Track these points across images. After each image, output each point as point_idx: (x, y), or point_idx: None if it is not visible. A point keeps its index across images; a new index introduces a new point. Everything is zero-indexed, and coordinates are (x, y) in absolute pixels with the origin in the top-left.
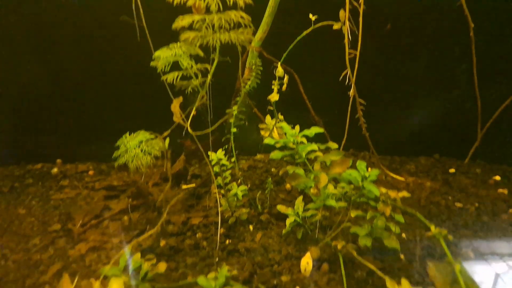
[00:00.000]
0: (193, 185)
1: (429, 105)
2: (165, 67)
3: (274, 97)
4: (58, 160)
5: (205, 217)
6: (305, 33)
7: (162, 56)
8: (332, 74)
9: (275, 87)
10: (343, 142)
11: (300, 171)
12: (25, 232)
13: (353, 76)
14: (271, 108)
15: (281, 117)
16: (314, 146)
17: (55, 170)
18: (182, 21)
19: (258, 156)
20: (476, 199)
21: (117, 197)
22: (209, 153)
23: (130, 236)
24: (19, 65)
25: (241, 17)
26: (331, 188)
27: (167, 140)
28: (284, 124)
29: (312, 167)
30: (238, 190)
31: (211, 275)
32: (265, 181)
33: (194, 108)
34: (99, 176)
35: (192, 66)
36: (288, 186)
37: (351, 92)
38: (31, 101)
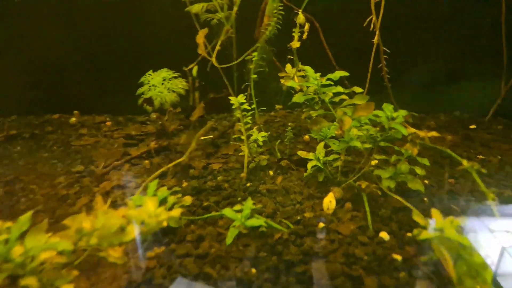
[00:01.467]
0: (210, 136)
1: (450, 61)
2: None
3: (295, 44)
4: (76, 111)
5: (225, 163)
6: None
7: None
8: (354, 22)
9: (295, 35)
10: (365, 92)
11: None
12: (50, 172)
13: (378, 22)
14: (291, 57)
15: (301, 66)
16: (340, 88)
17: (73, 119)
18: None
19: (277, 107)
20: (499, 152)
21: (136, 145)
22: (230, 97)
23: (152, 178)
24: (43, 23)
25: None
26: (354, 131)
27: (195, 69)
28: (308, 68)
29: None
30: (259, 136)
31: (237, 207)
32: (283, 133)
33: (219, 42)
34: (116, 126)
35: None
36: (306, 137)
37: (375, 39)
38: (51, 55)
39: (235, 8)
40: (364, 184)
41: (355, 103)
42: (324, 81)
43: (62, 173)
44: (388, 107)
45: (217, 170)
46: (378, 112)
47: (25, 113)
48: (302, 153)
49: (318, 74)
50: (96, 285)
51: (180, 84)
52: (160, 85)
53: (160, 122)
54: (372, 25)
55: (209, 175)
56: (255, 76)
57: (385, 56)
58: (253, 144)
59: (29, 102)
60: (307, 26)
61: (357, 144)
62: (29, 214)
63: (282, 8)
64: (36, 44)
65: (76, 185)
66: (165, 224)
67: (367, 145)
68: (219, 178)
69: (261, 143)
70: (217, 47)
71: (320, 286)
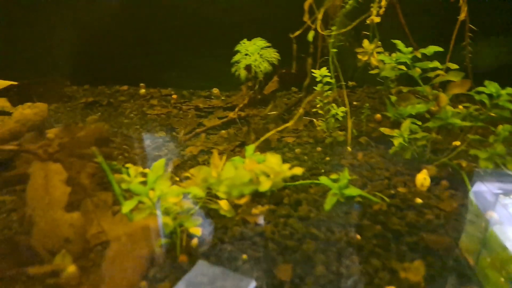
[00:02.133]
0: (275, 112)
1: None
2: None
3: (374, 19)
4: (142, 84)
5: (298, 137)
6: None
7: None
8: None
9: (374, 10)
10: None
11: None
12: (134, 135)
13: None
14: (367, 32)
15: (378, 43)
16: (437, 63)
17: (142, 91)
18: None
19: (350, 83)
20: None
21: (206, 116)
22: (313, 70)
23: (233, 146)
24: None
25: None
26: (449, 108)
27: (311, 33)
28: (398, 42)
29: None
30: (338, 110)
31: (333, 175)
32: (356, 110)
33: (322, 11)
34: (183, 99)
35: None
36: (378, 116)
37: (461, 16)
38: (118, 31)
39: None
40: (464, 163)
41: (450, 80)
42: (416, 53)
43: (146, 137)
44: (492, 84)
45: (291, 143)
46: (480, 88)
47: (96, 84)
48: (385, 130)
49: (410, 49)
50: (213, 233)
51: (273, 54)
52: (256, 53)
53: (249, 94)
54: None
55: (285, 148)
56: (335, 50)
57: (469, 34)
58: (330, 119)
59: (98, 73)
60: (384, 2)
61: (456, 121)
62: (162, 161)
63: None
64: (101, 18)
65: (163, 148)
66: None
67: (467, 123)
68: (297, 150)
69: (340, 118)
70: (320, 16)
71: (439, 256)
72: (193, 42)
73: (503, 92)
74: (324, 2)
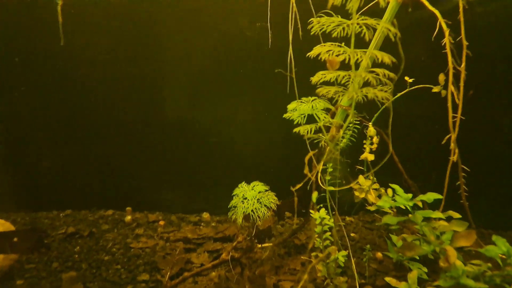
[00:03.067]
0: (270, 244)
1: None
2: (301, 118)
3: (368, 156)
4: (128, 208)
5: (296, 282)
6: (399, 95)
7: (300, 108)
8: (428, 135)
9: (367, 147)
10: (440, 210)
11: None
12: (115, 280)
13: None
14: (361, 167)
15: (391, 185)
16: (439, 214)
17: (128, 218)
18: (325, 76)
19: (348, 219)
20: None
21: (194, 250)
22: (311, 211)
23: None
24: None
25: (384, 74)
26: (458, 263)
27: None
28: (396, 187)
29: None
30: (339, 255)
31: None
32: (354, 248)
33: (322, 162)
34: (170, 227)
35: (328, 121)
36: (379, 255)
37: (454, 157)
38: (101, 149)
39: (341, 132)
40: None
41: (454, 230)
42: (417, 201)
43: (128, 281)
44: (500, 241)
45: None
46: (489, 247)
47: (78, 208)
48: (391, 281)
49: (409, 195)
50: None
51: (271, 199)
52: (255, 199)
53: (249, 241)
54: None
55: None
56: (332, 188)
57: (463, 174)
58: (331, 264)
59: (82, 196)
60: (375, 139)
61: (470, 283)
62: None
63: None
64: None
65: None
66: None
67: (481, 285)
68: None
69: (342, 264)
70: (320, 167)
71: None
72: (184, 163)
73: None
74: (324, 156)
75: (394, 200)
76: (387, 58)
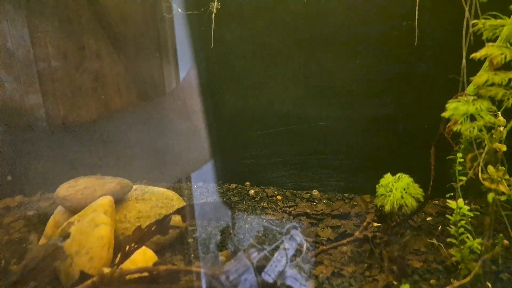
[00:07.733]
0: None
1: None
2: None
3: (501, 147)
4: (247, 183)
5: (425, 262)
6: None
7: (463, 108)
8: None
9: (496, 135)
10: None
11: None
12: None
13: None
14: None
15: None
16: None
17: (252, 192)
18: (491, 78)
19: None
20: None
21: (317, 225)
22: (448, 201)
23: (362, 269)
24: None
25: None
26: None
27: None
28: None
29: None
30: (475, 242)
31: None
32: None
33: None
34: (287, 202)
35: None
36: (506, 242)
37: None
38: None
39: (505, 132)
40: None
41: None
42: None
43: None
44: None
45: (420, 269)
46: None
47: (206, 181)
48: None
49: None
50: None
51: (418, 189)
52: (403, 190)
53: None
54: None
55: (414, 274)
56: (464, 178)
57: None
58: (466, 251)
59: (212, 172)
60: (505, 129)
61: None
62: None
63: None
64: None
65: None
66: None
67: None
68: (432, 281)
69: (478, 251)
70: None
71: None
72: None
73: None
74: (483, 154)
75: None
76: None
